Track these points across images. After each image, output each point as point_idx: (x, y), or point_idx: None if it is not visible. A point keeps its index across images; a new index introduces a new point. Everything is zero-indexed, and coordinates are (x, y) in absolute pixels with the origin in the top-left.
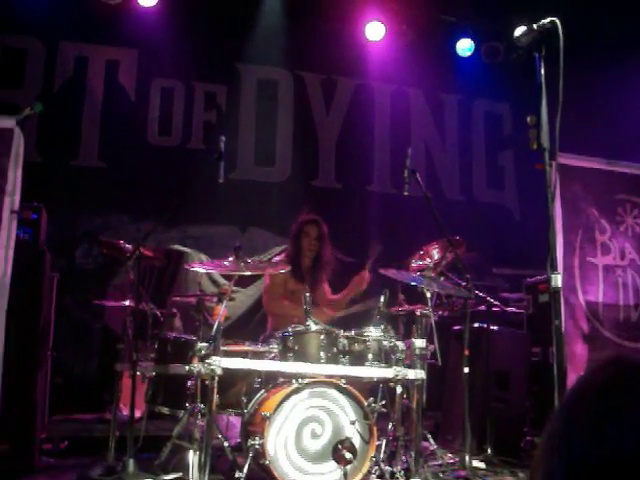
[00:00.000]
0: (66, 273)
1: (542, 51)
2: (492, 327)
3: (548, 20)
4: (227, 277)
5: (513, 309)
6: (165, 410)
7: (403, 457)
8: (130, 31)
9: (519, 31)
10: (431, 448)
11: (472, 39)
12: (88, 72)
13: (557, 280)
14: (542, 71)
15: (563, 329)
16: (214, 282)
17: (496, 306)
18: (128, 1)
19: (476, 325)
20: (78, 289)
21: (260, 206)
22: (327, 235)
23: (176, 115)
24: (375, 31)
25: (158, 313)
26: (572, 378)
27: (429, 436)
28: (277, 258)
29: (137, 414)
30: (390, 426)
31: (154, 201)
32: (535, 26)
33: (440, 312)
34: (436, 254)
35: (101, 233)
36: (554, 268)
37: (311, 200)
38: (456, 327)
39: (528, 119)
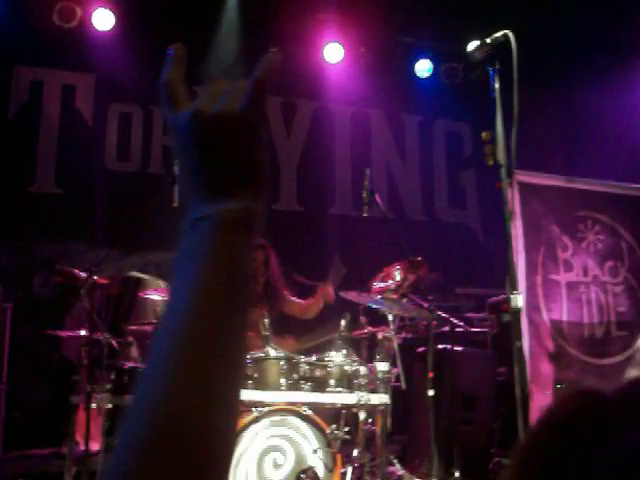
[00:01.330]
0: (22, 303)
1: (496, 65)
2: (456, 348)
3: (501, 33)
4: None
5: (477, 329)
6: None
7: None
8: (87, 55)
9: (472, 45)
10: (398, 473)
11: (431, 60)
12: (44, 97)
13: (517, 300)
14: (497, 86)
15: (527, 348)
16: None
17: (460, 327)
18: (84, 25)
19: (440, 346)
20: (35, 319)
21: None
22: (275, 260)
23: (134, 140)
24: (334, 53)
25: (114, 342)
26: (538, 398)
27: (395, 461)
28: None
29: (95, 447)
30: (355, 452)
31: (113, 228)
32: (488, 40)
33: (404, 334)
34: (398, 275)
35: (59, 261)
36: (514, 287)
37: (272, 224)
38: (420, 349)
39: (483, 135)
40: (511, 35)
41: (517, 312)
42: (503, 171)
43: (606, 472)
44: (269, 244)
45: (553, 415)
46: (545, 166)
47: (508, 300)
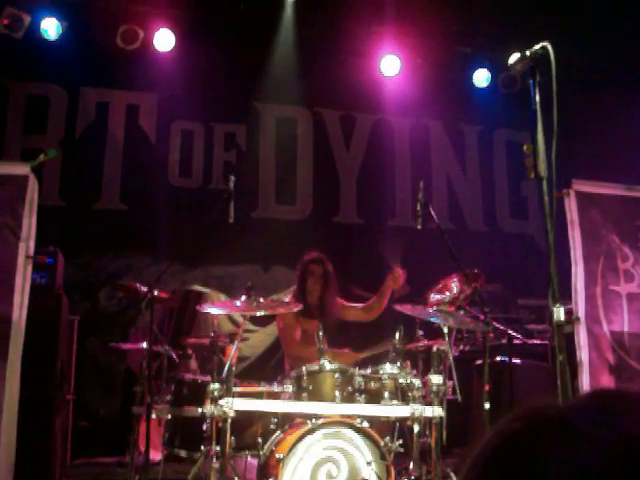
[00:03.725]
0: (90, 316)
1: (536, 77)
2: (515, 360)
3: (539, 46)
4: (243, 316)
5: (537, 341)
6: (182, 453)
7: None
8: (149, 75)
9: (513, 58)
10: None
11: (488, 69)
12: (109, 117)
13: (560, 313)
14: (537, 98)
15: (587, 360)
16: (233, 322)
17: (518, 338)
18: (145, 46)
19: (498, 359)
20: (102, 331)
21: (282, 244)
22: (333, 275)
23: (196, 156)
24: (391, 65)
25: (174, 355)
26: None
27: (452, 474)
28: (288, 297)
29: (156, 457)
30: (411, 465)
31: (176, 242)
32: (528, 52)
33: (462, 347)
34: (455, 287)
35: (124, 275)
36: (556, 300)
37: (332, 237)
38: (478, 361)
39: (524, 147)
40: (549, 47)
41: (560, 326)
42: (544, 184)
43: None
44: (327, 258)
45: (506, 430)
46: (604, 175)
47: (550, 314)
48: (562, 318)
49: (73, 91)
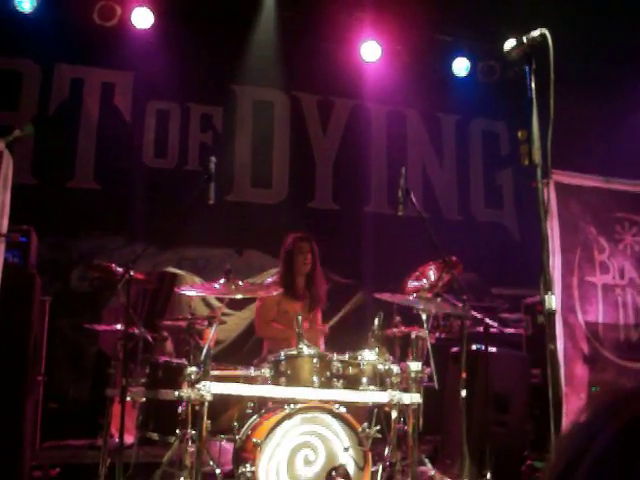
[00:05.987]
0: (61, 296)
1: (532, 64)
2: (490, 349)
3: (538, 33)
4: (220, 299)
5: (512, 330)
6: (156, 436)
7: None
8: (126, 53)
9: (509, 45)
10: (429, 473)
11: (468, 58)
12: (84, 94)
13: (551, 301)
14: (532, 85)
15: (562, 350)
16: (208, 305)
17: (494, 327)
18: (123, 23)
19: (474, 347)
20: (73, 312)
21: (257, 228)
22: (318, 254)
23: (172, 137)
24: (371, 51)
25: (149, 337)
26: (572, 400)
27: (427, 461)
28: (269, 280)
29: (128, 440)
30: (387, 451)
31: (150, 223)
32: (525, 39)
33: (438, 334)
34: (432, 275)
35: (96, 255)
36: (548, 289)
37: (307, 222)
38: (454, 349)
39: (519, 134)
40: (548, 34)
41: (551, 314)
42: (539, 171)
43: None
44: (313, 237)
45: (615, 415)
46: (583, 166)
47: (542, 301)
48: (554, 307)
49: (47, 67)
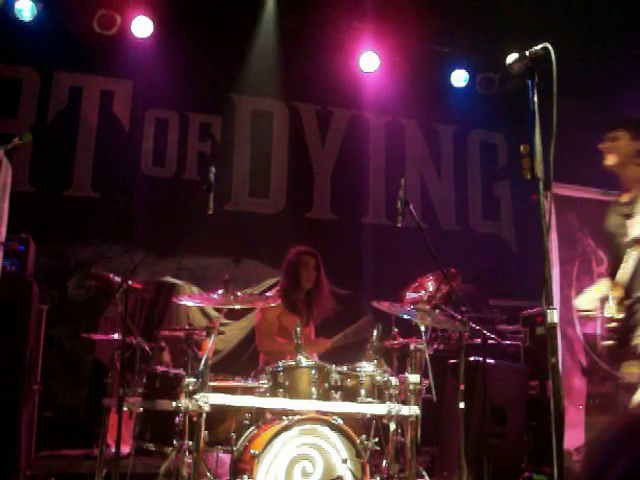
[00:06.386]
0: (58, 304)
1: (535, 78)
2: (489, 360)
3: (540, 46)
4: (218, 310)
5: (510, 342)
6: (152, 447)
7: None
8: (125, 62)
9: (511, 58)
10: None
11: (466, 70)
12: (82, 102)
13: (553, 316)
14: (535, 98)
15: (561, 363)
16: (205, 314)
17: (492, 339)
18: (123, 32)
19: (472, 359)
20: (70, 320)
21: (254, 238)
22: (323, 270)
23: (170, 146)
24: (370, 62)
25: (146, 347)
26: (570, 412)
27: (424, 473)
28: (269, 292)
29: (125, 450)
30: (384, 463)
31: (148, 232)
32: (527, 53)
33: (436, 345)
34: (431, 286)
35: (94, 264)
36: (550, 303)
37: (305, 232)
38: (452, 361)
39: (521, 148)
40: (551, 48)
41: (553, 328)
42: (541, 185)
43: None
44: (318, 252)
45: None
46: (582, 179)
47: (544, 315)
48: (556, 320)
49: (46, 75)
